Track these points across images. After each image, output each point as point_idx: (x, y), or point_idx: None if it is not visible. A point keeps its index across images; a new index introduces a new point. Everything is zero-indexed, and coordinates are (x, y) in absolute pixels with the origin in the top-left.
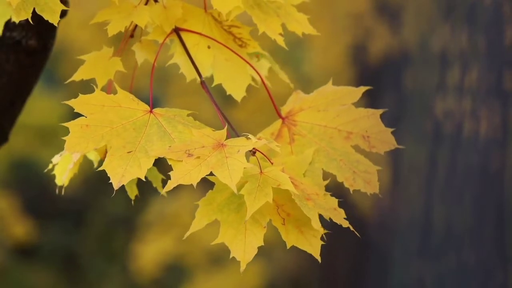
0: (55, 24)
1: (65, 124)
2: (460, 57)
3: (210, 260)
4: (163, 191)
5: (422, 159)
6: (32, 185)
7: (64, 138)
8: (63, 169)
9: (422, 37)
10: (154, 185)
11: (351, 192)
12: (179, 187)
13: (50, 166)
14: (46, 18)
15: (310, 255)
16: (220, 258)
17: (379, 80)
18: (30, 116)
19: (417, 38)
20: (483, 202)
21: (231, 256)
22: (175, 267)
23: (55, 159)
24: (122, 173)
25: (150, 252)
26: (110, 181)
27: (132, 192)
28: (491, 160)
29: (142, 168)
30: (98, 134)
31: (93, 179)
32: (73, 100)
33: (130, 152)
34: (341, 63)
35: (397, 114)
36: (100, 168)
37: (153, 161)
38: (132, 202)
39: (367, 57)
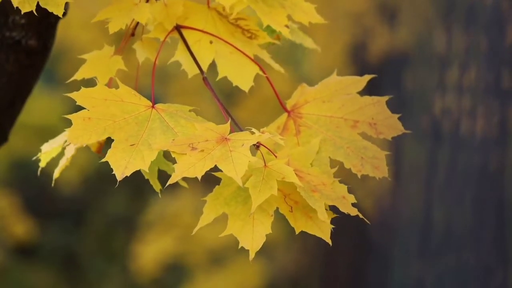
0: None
1: (68, 116)
2: (459, 56)
3: (210, 260)
4: (167, 183)
5: (422, 159)
6: (32, 185)
7: (66, 129)
8: (48, 155)
9: (421, 37)
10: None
11: (359, 177)
12: (179, 187)
13: (39, 154)
14: (50, 10)
15: (310, 255)
16: (220, 258)
17: (379, 79)
18: (30, 116)
19: (417, 38)
20: (483, 202)
21: (239, 247)
22: (175, 267)
23: (44, 147)
24: (125, 165)
25: (150, 252)
26: (110, 182)
27: (157, 186)
28: (490, 160)
29: (145, 160)
30: (101, 127)
31: (93, 179)
32: (75, 92)
33: (133, 145)
34: (341, 62)
35: (397, 114)
36: (103, 160)
37: (156, 154)
38: (159, 194)
39: (367, 56)
